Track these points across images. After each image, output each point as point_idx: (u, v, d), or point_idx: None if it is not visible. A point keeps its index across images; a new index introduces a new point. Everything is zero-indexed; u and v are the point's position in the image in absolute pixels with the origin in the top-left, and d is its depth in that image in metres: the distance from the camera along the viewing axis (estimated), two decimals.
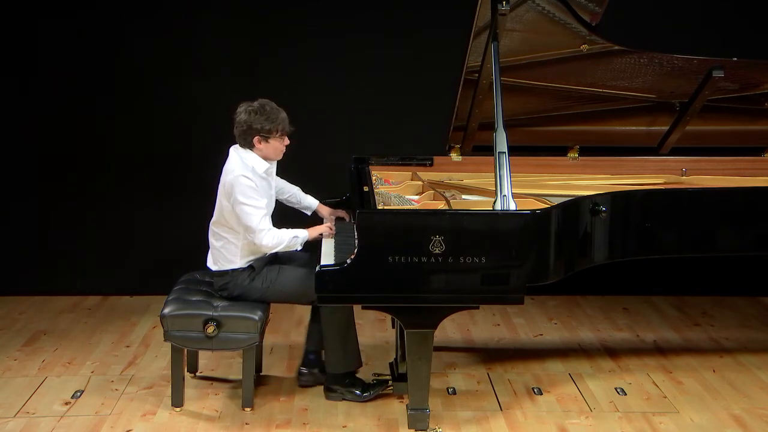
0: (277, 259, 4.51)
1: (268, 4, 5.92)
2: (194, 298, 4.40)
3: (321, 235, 4.49)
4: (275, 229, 4.29)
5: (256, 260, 4.41)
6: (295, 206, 4.79)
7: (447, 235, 3.94)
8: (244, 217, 4.26)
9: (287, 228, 4.36)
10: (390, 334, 5.37)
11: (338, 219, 4.77)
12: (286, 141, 4.39)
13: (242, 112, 4.33)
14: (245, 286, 4.38)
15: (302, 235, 4.37)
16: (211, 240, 4.46)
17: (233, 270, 4.39)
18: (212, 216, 4.47)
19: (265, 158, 4.36)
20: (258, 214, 4.25)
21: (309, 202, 4.76)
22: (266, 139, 4.32)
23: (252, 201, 4.24)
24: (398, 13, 5.92)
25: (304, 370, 4.64)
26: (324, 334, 4.47)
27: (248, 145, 4.33)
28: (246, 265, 4.39)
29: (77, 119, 5.96)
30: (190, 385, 4.64)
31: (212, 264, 4.46)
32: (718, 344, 5.41)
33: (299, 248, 4.40)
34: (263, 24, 5.96)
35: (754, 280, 6.27)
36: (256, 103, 4.35)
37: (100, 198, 6.03)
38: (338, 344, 4.43)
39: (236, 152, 4.38)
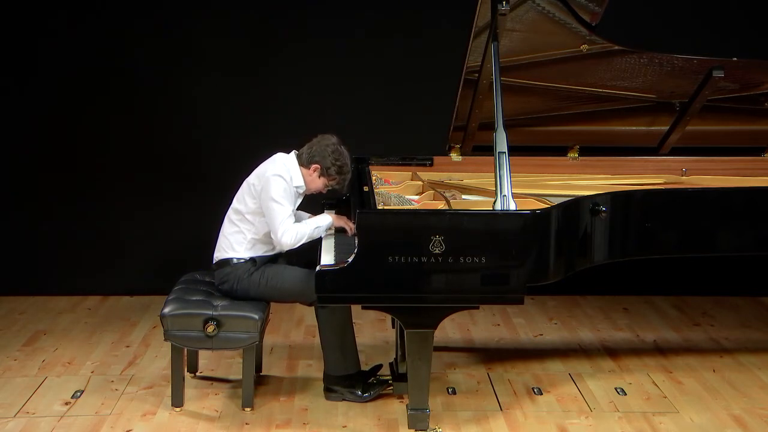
0: (279, 258, 4.52)
1: (269, 5, 5.92)
2: (194, 298, 4.40)
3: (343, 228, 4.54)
4: (295, 226, 4.35)
5: (259, 256, 4.43)
6: None
7: (447, 235, 3.94)
8: (269, 215, 4.33)
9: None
10: (390, 334, 5.37)
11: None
12: (324, 191, 4.54)
13: (326, 143, 4.43)
14: (245, 279, 4.39)
15: (324, 223, 4.45)
16: (224, 228, 4.50)
17: (234, 261, 4.41)
18: (223, 209, 4.53)
19: (304, 183, 4.47)
20: (283, 213, 4.32)
21: (300, 216, 4.75)
22: (320, 175, 4.44)
23: (281, 200, 4.33)
24: (398, 13, 5.92)
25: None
26: (321, 336, 4.47)
27: (306, 163, 4.43)
28: (248, 258, 4.41)
29: (77, 119, 5.96)
30: (190, 385, 4.64)
31: (216, 253, 4.50)
32: (718, 344, 5.41)
33: (324, 235, 4.47)
34: (263, 24, 5.96)
35: (754, 280, 6.27)
36: (341, 147, 4.46)
37: (100, 198, 6.03)
38: (336, 346, 4.44)
39: (283, 158, 4.46)
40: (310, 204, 4.96)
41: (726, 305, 6.12)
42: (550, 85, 4.95)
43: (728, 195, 4.64)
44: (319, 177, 4.44)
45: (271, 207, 4.32)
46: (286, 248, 4.38)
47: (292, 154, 4.47)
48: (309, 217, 4.67)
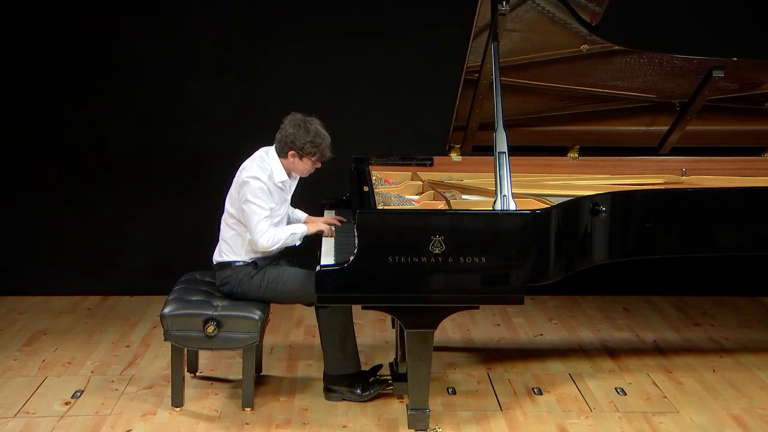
0: (279, 259, 4.52)
1: (269, 5, 5.92)
2: (194, 298, 4.40)
3: (321, 232, 4.50)
4: (273, 229, 4.31)
5: (260, 258, 4.42)
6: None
7: (447, 235, 3.94)
8: (246, 215, 4.30)
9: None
10: (390, 334, 5.37)
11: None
12: (318, 165, 4.44)
13: (290, 125, 4.36)
14: (246, 282, 4.38)
15: (299, 231, 4.42)
16: (222, 232, 4.48)
17: (236, 264, 4.40)
18: (222, 210, 4.50)
19: (291, 171, 4.41)
20: (260, 214, 4.28)
21: (297, 216, 4.74)
22: (301, 157, 4.35)
23: (258, 201, 4.28)
24: (398, 13, 5.92)
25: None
26: (322, 336, 4.47)
27: (282, 153, 4.37)
28: (249, 261, 4.41)
29: (77, 119, 5.96)
30: (190, 385, 4.64)
31: (217, 255, 4.48)
32: (718, 344, 5.41)
33: (298, 243, 4.43)
34: (263, 24, 5.96)
35: (754, 280, 6.27)
36: (306, 120, 4.36)
37: (101, 198, 6.04)
38: (337, 346, 4.44)
39: (262, 153, 4.42)
40: (310, 204, 4.96)
41: (726, 305, 6.12)
42: (550, 85, 4.95)
43: (728, 195, 4.64)
44: (301, 159, 4.36)
45: (247, 208, 4.29)
46: (260, 249, 4.35)
47: (273, 147, 4.42)
48: (306, 217, 4.67)
